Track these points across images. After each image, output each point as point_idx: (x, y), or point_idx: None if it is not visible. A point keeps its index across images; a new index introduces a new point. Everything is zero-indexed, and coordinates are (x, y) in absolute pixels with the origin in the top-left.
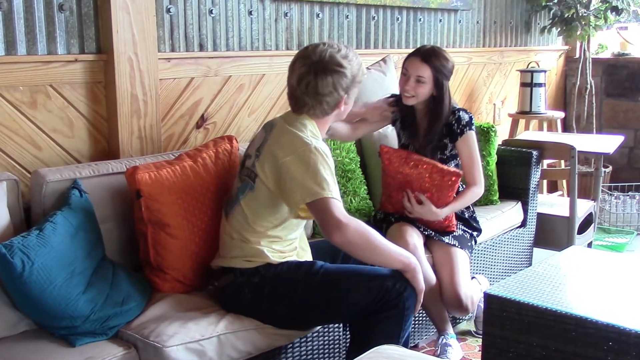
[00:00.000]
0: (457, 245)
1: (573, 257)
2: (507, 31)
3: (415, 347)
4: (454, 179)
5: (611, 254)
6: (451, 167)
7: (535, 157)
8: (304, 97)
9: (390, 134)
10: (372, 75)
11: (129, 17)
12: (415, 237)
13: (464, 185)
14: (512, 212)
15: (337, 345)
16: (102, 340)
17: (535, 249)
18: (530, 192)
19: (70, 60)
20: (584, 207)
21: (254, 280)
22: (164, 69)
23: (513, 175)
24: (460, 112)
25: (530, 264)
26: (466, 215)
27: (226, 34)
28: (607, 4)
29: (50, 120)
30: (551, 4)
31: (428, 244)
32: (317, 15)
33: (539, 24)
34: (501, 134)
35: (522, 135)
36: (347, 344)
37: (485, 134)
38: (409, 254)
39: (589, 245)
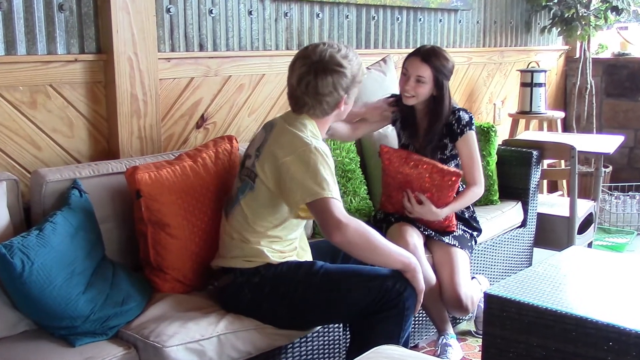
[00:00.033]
0: (457, 245)
1: (573, 257)
2: (507, 31)
3: (415, 347)
4: (454, 179)
5: (611, 254)
6: (451, 167)
7: (535, 157)
8: (304, 97)
9: (390, 134)
10: (372, 75)
11: (128, 17)
12: (415, 237)
13: (464, 185)
14: (512, 212)
15: (337, 345)
16: (102, 340)
17: (535, 249)
18: (531, 192)
19: (70, 60)
20: (584, 207)
21: (254, 280)
22: (164, 69)
23: (513, 175)
24: (461, 112)
25: (530, 264)
26: (466, 215)
27: (226, 34)
28: (607, 4)
29: (50, 120)
30: (551, 3)
31: (428, 244)
32: (317, 15)
33: (539, 23)
34: (501, 134)
35: (522, 135)
36: (347, 344)
37: (485, 134)
38: (409, 254)
39: (589, 245)
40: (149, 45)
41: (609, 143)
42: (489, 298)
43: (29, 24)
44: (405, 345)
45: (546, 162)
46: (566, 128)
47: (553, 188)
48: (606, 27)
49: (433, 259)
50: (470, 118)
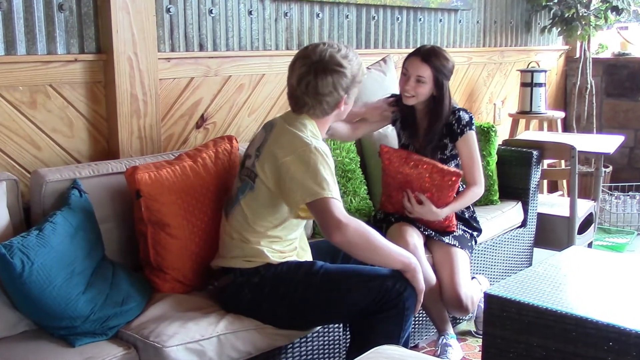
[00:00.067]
0: (457, 245)
1: (573, 257)
2: (508, 31)
3: (415, 347)
4: (454, 179)
5: (611, 254)
6: (451, 167)
7: (535, 157)
8: (304, 97)
9: (390, 134)
10: (372, 75)
11: (128, 17)
12: (415, 237)
13: (464, 185)
14: (512, 212)
15: (337, 345)
16: (102, 340)
17: (535, 249)
18: (531, 192)
19: (70, 60)
20: (584, 207)
21: (254, 281)
22: (164, 68)
23: (513, 175)
24: (461, 112)
25: (530, 264)
26: (466, 215)
27: (226, 34)
28: (608, 4)
29: (50, 120)
30: (551, 3)
31: (428, 244)
32: (317, 15)
33: (539, 23)
34: (501, 134)
35: (523, 135)
36: (347, 344)
37: (485, 134)
38: (409, 254)
39: (589, 245)
40: (148, 45)
41: (609, 143)
42: (489, 298)
43: (28, 24)
44: (406, 345)
45: (546, 162)
46: (566, 128)
47: (553, 188)
48: (606, 27)
49: (433, 259)
50: (470, 118)
